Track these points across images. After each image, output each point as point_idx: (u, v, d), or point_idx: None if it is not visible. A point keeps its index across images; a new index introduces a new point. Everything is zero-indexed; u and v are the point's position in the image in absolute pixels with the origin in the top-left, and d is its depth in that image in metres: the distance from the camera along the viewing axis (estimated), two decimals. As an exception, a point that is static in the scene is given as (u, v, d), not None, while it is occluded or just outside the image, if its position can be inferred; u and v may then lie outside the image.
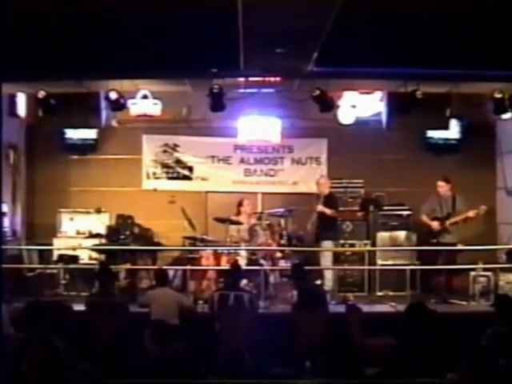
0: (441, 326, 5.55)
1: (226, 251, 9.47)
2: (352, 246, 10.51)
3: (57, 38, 7.04)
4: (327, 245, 9.78)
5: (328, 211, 9.74)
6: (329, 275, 9.60)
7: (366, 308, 8.27)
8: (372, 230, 10.60)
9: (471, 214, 9.39)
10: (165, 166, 11.68)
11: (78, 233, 10.94)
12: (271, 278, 9.30)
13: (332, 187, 10.41)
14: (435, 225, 9.54)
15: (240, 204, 10.22)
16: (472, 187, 10.55)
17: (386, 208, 10.74)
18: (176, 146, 11.66)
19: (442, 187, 9.67)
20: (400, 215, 10.73)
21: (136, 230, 10.41)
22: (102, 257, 9.84)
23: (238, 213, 10.15)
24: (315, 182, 10.30)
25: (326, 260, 9.72)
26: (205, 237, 9.94)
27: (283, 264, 9.43)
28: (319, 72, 8.12)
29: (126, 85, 9.23)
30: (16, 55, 5.84)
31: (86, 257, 10.23)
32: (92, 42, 7.17)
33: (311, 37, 7.00)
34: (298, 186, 11.61)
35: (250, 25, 6.53)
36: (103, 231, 10.61)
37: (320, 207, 9.71)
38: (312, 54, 7.66)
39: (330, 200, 9.90)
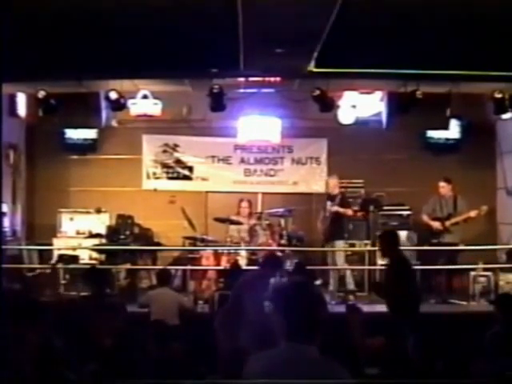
0: None
1: (225, 251, 9.47)
2: (352, 245, 10.50)
3: (57, 38, 7.04)
4: (340, 244, 9.81)
5: (346, 211, 9.79)
6: (349, 276, 9.65)
7: (366, 308, 8.26)
8: (372, 230, 10.60)
9: (472, 214, 9.42)
10: (165, 166, 11.68)
11: (78, 233, 10.94)
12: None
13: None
14: (436, 225, 9.55)
15: (239, 205, 10.26)
16: (472, 187, 10.55)
17: (386, 208, 10.74)
18: (176, 146, 11.66)
19: (444, 187, 9.69)
20: (400, 215, 10.73)
21: (136, 229, 10.41)
22: (102, 257, 9.84)
23: (238, 213, 10.17)
24: (325, 182, 10.32)
25: (341, 259, 9.74)
26: (205, 237, 9.94)
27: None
28: (319, 72, 8.11)
29: (126, 85, 9.23)
30: (16, 55, 5.84)
31: (86, 257, 10.22)
32: (92, 42, 7.17)
33: (311, 37, 7.00)
34: (297, 186, 11.62)
35: (249, 25, 6.52)
36: (103, 231, 10.61)
37: (335, 208, 9.72)
38: (312, 54, 7.65)
39: (344, 200, 9.96)
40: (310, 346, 2.75)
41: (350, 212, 9.95)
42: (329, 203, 9.93)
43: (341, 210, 9.78)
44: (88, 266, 9.42)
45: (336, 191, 10.03)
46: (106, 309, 6.93)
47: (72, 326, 5.64)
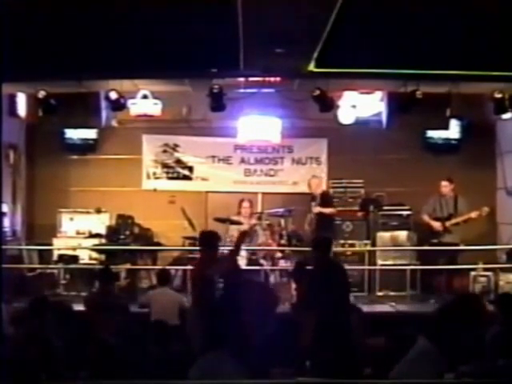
0: None
1: (226, 251, 9.46)
2: (352, 245, 10.50)
3: (57, 38, 7.04)
4: None
5: (326, 211, 9.78)
6: None
7: (366, 308, 8.26)
8: (372, 230, 10.60)
9: (473, 215, 9.42)
10: (165, 166, 11.68)
11: (78, 233, 10.93)
12: (271, 278, 9.30)
13: (332, 187, 10.41)
14: (437, 225, 9.55)
15: (240, 204, 10.26)
16: (472, 187, 10.54)
17: (386, 208, 10.74)
18: (176, 146, 11.66)
19: (446, 187, 9.69)
20: (400, 215, 10.72)
21: (136, 229, 10.42)
22: (102, 257, 9.85)
23: (239, 213, 10.17)
24: (307, 183, 10.30)
25: None
26: (205, 237, 9.92)
27: (283, 264, 9.43)
28: (319, 72, 8.11)
29: (125, 85, 9.23)
30: (16, 55, 5.84)
31: (86, 257, 10.23)
32: (92, 42, 7.17)
33: (311, 37, 7.00)
34: (297, 186, 11.60)
35: (249, 25, 6.52)
36: (103, 231, 10.61)
37: (317, 208, 9.72)
38: (312, 54, 7.66)
39: (325, 199, 9.93)
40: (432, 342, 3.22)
41: (332, 211, 9.96)
42: (313, 204, 9.94)
43: (322, 209, 9.77)
44: (89, 267, 9.53)
45: (318, 191, 10.03)
46: (111, 308, 6.99)
47: (73, 325, 5.65)
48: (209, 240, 7.07)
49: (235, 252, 7.31)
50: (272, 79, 9.12)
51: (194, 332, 6.36)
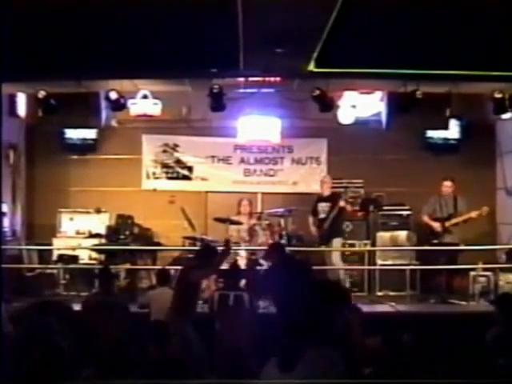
0: None
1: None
2: (352, 245, 10.50)
3: (57, 38, 7.05)
4: (338, 242, 9.85)
5: (350, 208, 9.93)
6: (342, 275, 9.69)
7: (365, 308, 8.25)
8: (372, 230, 10.60)
9: (473, 215, 9.40)
10: (165, 165, 11.67)
11: (78, 233, 10.93)
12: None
13: (332, 187, 10.43)
14: (437, 225, 9.54)
15: (239, 204, 10.26)
16: (472, 187, 10.54)
17: (386, 208, 10.74)
18: (176, 146, 11.66)
19: (448, 187, 9.67)
20: (400, 215, 10.72)
21: (136, 230, 10.41)
22: (102, 257, 9.84)
23: (239, 213, 10.17)
24: (320, 181, 10.34)
25: (337, 257, 9.79)
26: (205, 237, 9.92)
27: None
28: (319, 72, 8.12)
29: (125, 85, 9.23)
30: (16, 55, 5.85)
31: (85, 257, 10.23)
32: (92, 42, 7.17)
33: (311, 37, 7.01)
34: (297, 186, 11.61)
35: (249, 25, 6.53)
36: (103, 231, 10.61)
37: (342, 203, 9.78)
38: (312, 54, 7.66)
39: (347, 198, 10.07)
40: None
41: (351, 210, 10.14)
42: (322, 204, 9.93)
43: (348, 207, 9.89)
44: (89, 267, 9.52)
45: (328, 192, 10.06)
46: (112, 308, 6.99)
47: (74, 325, 5.66)
48: (207, 254, 7.32)
49: (222, 258, 7.42)
50: (272, 79, 9.12)
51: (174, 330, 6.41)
